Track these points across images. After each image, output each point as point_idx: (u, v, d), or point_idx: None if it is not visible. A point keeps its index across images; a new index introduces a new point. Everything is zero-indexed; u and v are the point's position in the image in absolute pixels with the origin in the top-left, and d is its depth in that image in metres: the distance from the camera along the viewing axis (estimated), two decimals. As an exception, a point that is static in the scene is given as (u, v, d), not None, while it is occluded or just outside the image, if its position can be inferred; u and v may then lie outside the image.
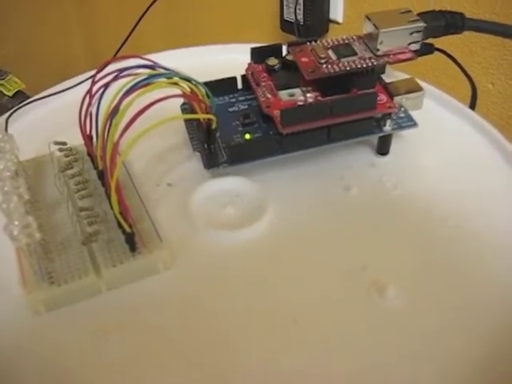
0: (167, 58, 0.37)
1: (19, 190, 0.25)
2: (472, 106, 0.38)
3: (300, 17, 0.56)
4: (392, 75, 0.35)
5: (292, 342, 0.24)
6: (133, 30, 0.58)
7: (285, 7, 0.57)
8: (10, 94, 0.70)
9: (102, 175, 0.28)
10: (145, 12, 0.57)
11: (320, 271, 0.26)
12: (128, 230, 0.25)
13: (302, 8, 0.56)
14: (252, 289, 0.26)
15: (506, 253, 0.27)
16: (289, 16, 0.57)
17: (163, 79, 0.26)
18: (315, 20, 0.57)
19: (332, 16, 0.58)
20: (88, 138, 0.28)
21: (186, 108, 0.32)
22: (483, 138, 0.33)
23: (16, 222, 0.23)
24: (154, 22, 0.66)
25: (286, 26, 0.59)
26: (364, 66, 0.29)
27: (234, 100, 0.32)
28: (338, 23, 0.59)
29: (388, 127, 0.30)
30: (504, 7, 0.46)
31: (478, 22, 0.33)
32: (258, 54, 0.32)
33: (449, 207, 0.29)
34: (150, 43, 0.78)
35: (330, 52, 0.30)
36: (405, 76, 0.34)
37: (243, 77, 0.33)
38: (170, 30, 0.80)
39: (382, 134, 0.31)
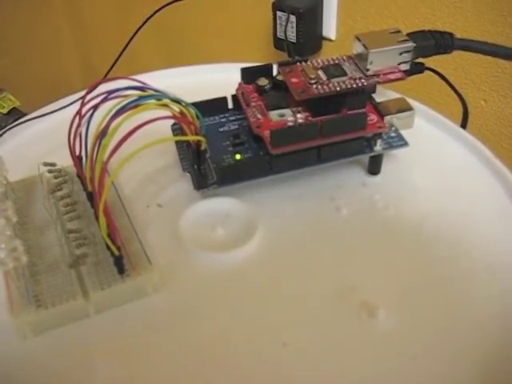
0: (159, 78, 0.38)
1: (7, 212, 0.24)
2: (463, 125, 0.38)
3: (293, 34, 0.57)
4: (383, 94, 0.35)
5: (281, 365, 0.23)
6: (125, 48, 0.59)
7: (278, 25, 0.57)
8: (5, 111, 0.70)
9: (91, 197, 0.27)
10: (138, 29, 0.57)
11: (310, 292, 0.26)
12: (116, 252, 0.24)
13: (294, 26, 0.56)
14: (241, 311, 0.25)
15: (497, 272, 0.27)
16: (282, 34, 0.57)
17: (153, 101, 0.26)
18: (308, 37, 0.57)
19: (325, 33, 0.59)
20: (77, 159, 0.28)
21: (177, 128, 0.32)
22: (474, 157, 0.33)
23: (3, 246, 0.23)
24: (148, 39, 0.66)
25: (278, 43, 0.59)
26: (354, 86, 0.30)
27: (224, 120, 0.32)
28: (330, 40, 0.59)
29: (379, 147, 0.30)
30: (494, 25, 0.47)
31: (467, 42, 0.33)
32: (248, 74, 0.32)
33: (440, 227, 0.29)
34: (144, 61, 0.78)
35: (320, 72, 0.30)
36: (395, 95, 0.34)
37: (234, 96, 0.33)
38: (164, 47, 0.80)
39: (372, 154, 0.31)
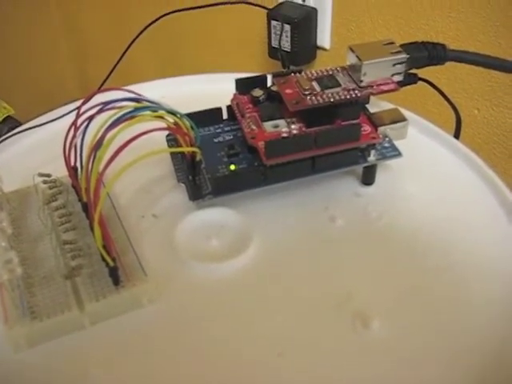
0: (154, 88, 0.38)
1: (1, 223, 0.25)
2: (456, 135, 0.39)
3: (288, 44, 0.57)
4: (377, 104, 0.35)
5: (276, 375, 0.23)
6: (121, 58, 0.59)
7: (272, 34, 0.58)
8: (-1, 119, 0.70)
9: (86, 207, 0.27)
10: (134, 39, 0.57)
11: (305, 303, 0.26)
12: (111, 263, 0.25)
13: (289, 35, 0.56)
14: (236, 321, 0.25)
15: (490, 280, 0.27)
16: (276, 43, 0.57)
17: (148, 112, 0.26)
18: (302, 47, 0.57)
19: (319, 43, 0.59)
20: (72, 170, 0.28)
21: (172, 139, 0.32)
22: (467, 167, 0.34)
23: (-3, 257, 0.23)
24: (144, 49, 0.66)
25: (273, 52, 0.59)
26: (348, 97, 0.30)
27: (219, 130, 0.33)
28: (325, 50, 0.60)
29: (372, 157, 0.31)
30: (486, 35, 0.47)
31: (459, 53, 0.33)
32: (243, 85, 0.32)
33: (434, 236, 0.29)
34: (140, 70, 0.79)
35: (314, 83, 0.30)
36: (389, 105, 0.34)
37: (228, 107, 0.33)
38: (160, 57, 0.81)
39: (366, 165, 0.31)
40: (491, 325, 0.25)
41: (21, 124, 0.37)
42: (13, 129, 0.37)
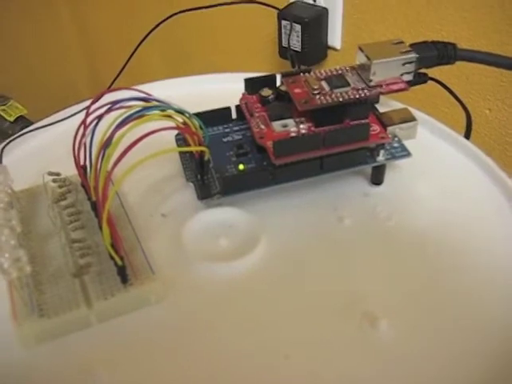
0: (163, 87, 0.38)
1: (11, 222, 0.25)
2: (467, 136, 0.38)
3: (298, 44, 0.57)
4: (386, 104, 0.35)
5: (283, 378, 0.23)
6: (130, 57, 0.59)
7: (283, 34, 0.57)
8: (12, 119, 0.71)
9: (95, 206, 0.28)
10: (143, 39, 0.57)
11: (313, 303, 0.26)
12: (119, 262, 0.25)
13: (300, 35, 0.56)
14: (243, 321, 0.25)
15: (499, 283, 0.27)
16: (287, 43, 0.57)
17: (157, 112, 0.26)
18: (313, 47, 0.57)
19: (330, 42, 0.59)
20: (82, 169, 0.28)
21: (181, 138, 0.32)
22: (477, 168, 0.33)
23: (7, 255, 0.23)
24: (154, 49, 0.67)
25: (284, 52, 0.59)
26: (357, 96, 0.30)
27: (228, 130, 0.33)
28: (336, 50, 0.59)
29: (381, 157, 0.30)
30: (499, 34, 0.47)
31: (470, 53, 0.33)
32: (252, 85, 0.32)
33: (443, 238, 0.29)
34: (149, 70, 0.79)
35: (323, 83, 0.30)
36: (399, 105, 0.34)
37: (237, 107, 0.33)
38: (170, 56, 0.81)
39: (375, 164, 0.31)
40: (501, 329, 0.25)
41: (32, 123, 0.38)
42: (24, 128, 0.37)
